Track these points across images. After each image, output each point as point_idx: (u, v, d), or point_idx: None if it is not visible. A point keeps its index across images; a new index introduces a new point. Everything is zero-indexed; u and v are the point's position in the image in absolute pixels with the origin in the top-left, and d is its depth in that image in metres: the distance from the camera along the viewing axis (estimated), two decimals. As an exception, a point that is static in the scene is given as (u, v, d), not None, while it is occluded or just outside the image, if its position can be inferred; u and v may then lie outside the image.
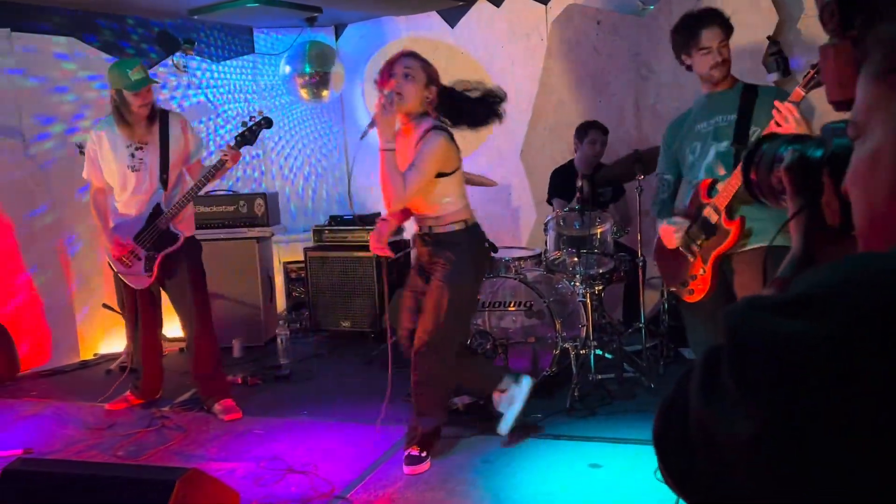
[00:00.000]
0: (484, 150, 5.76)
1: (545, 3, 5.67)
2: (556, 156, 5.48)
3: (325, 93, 6.24)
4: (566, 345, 4.13)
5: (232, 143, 4.04)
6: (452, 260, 3.26)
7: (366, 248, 5.60)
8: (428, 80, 3.24)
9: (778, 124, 2.68)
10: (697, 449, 0.67)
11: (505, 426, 3.50)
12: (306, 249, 5.84)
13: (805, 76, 2.68)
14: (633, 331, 4.67)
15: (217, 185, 5.59)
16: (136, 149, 4.00)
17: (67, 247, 5.37)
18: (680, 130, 3.16)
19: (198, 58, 6.16)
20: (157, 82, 4.19)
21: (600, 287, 4.42)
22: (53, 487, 2.42)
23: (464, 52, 6.00)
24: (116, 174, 4.03)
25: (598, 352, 4.29)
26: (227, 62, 6.40)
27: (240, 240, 5.60)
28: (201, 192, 4.08)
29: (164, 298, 4.26)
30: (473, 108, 3.34)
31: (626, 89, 5.46)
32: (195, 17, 5.79)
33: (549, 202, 5.14)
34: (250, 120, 4.11)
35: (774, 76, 4.57)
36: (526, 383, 3.52)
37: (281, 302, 6.21)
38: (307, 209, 6.83)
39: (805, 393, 0.59)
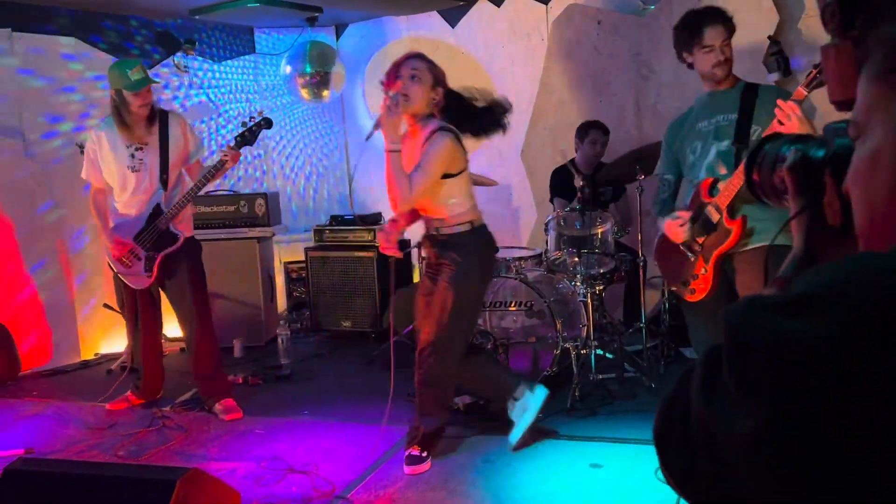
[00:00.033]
0: (484, 149, 5.74)
1: (546, 3, 5.67)
2: (556, 156, 5.48)
3: (325, 93, 6.25)
4: (567, 345, 4.13)
5: (232, 144, 4.05)
6: (458, 261, 3.26)
7: (367, 248, 5.65)
8: (434, 82, 3.24)
9: (781, 122, 2.67)
10: (698, 448, 0.67)
11: (515, 435, 3.45)
12: (307, 249, 5.84)
13: (807, 76, 2.67)
14: (634, 331, 4.67)
15: (218, 185, 5.60)
16: (136, 149, 4.01)
17: (68, 246, 5.37)
18: (681, 130, 3.15)
19: (199, 58, 6.17)
20: (157, 82, 4.20)
21: (601, 287, 4.42)
22: (54, 487, 2.43)
23: (464, 51, 6.00)
24: (116, 174, 4.03)
25: (599, 352, 4.29)
26: (228, 62, 6.41)
27: (241, 240, 5.60)
28: (201, 193, 4.08)
29: (164, 298, 4.27)
30: (479, 117, 3.33)
31: (627, 89, 5.46)
32: (196, 17, 5.80)
33: (552, 201, 5.15)
34: (250, 120, 4.12)
35: (775, 76, 4.57)
36: (541, 393, 3.48)
37: (282, 302, 6.21)
38: (308, 209, 6.83)
39: (805, 393, 0.59)
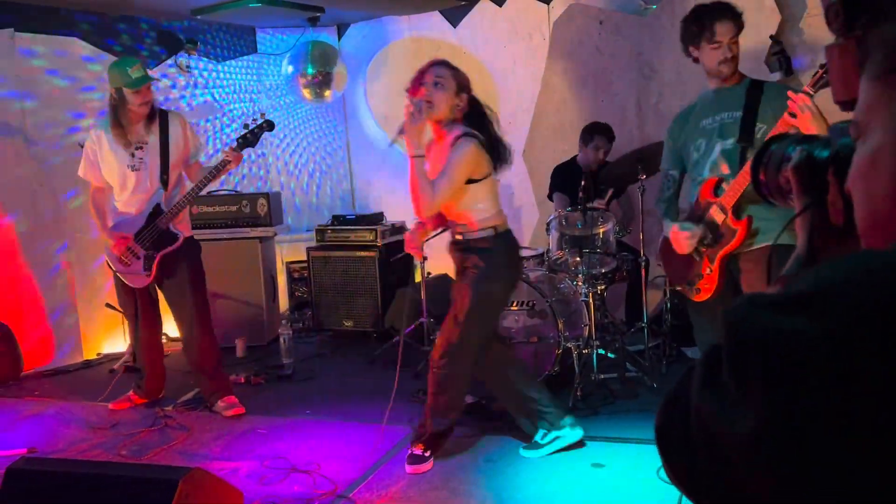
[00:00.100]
0: (486, 149, 5.76)
1: (547, 3, 5.67)
2: (557, 155, 5.47)
3: (327, 93, 6.25)
4: (569, 344, 4.13)
5: (234, 145, 4.06)
6: (480, 266, 3.26)
7: (368, 247, 5.65)
8: (458, 88, 3.25)
9: (793, 115, 2.64)
10: (698, 448, 0.67)
11: (529, 452, 3.44)
12: (309, 249, 5.84)
13: (813, 76, 2.66)
14: (636, 330, 4.67)
15: (221, 185, 5.60)
16: (137, 148, 4.01)
17: (70, 246, 5.38)
18: (685, 126, 3.12)
19: (205, 59, 6.18)
20: (156, 80, 4.21)
21: (603, 286, 4.42)
22: (57, 487, 2.43)
23: (466, 51, 6.00)
24: (116, 173, 4.04)
25: (601, 351, 4.29)
26: (230, 62, 6.41)
27: (243, 240, 5.61)
28: (202, 193, 4.09)
29: (162, 298, 4.28)
30: (496, 141, 3.33)
31: (629, 89, 5.45)
32: (198, 17, 5.81)
33: (550, 198, 5.15)
34: (252, 122, 4.13)
35: (777, 76, 4.56)
36: (577, 434, 3.43)
37: (284, 301, 6.22)
38: (310, 208, 6.84)
39: (805, 392, 0.59)
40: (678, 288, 3.21)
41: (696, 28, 2.97)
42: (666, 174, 3.25)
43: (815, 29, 4.59)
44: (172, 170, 4.08)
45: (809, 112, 2.60)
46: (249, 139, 4.10)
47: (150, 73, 4.08)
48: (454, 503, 3.05)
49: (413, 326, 5.03)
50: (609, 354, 4.36)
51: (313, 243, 5.90)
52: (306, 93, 6.23)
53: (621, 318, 5.02)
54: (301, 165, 6.83)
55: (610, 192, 4.92)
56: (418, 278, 5.25)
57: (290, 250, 6.41)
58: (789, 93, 2.68)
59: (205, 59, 6.19)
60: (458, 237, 3.36)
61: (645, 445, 3.42)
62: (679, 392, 0.73)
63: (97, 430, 3.98)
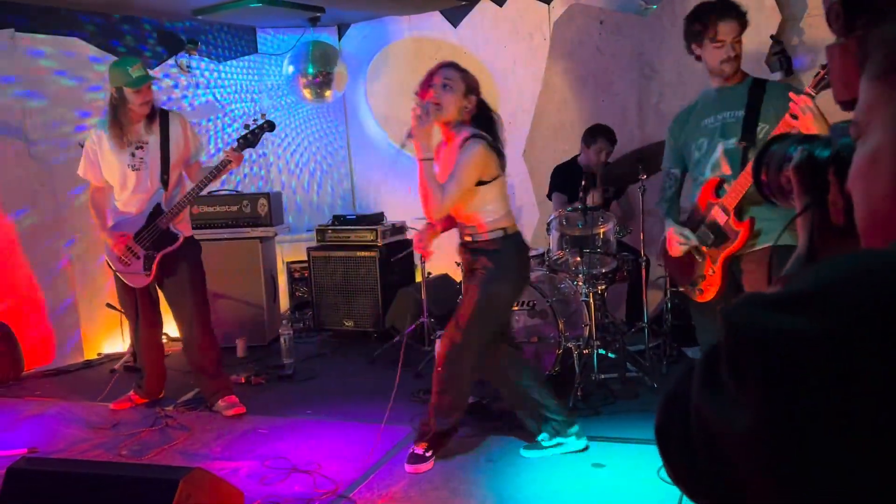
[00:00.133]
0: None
1: (548, 3, 5.67)
2: (558, 155, 5.47)
3: (328, 93, 6.25)
4: (569, 344, 4.13)
5: (234, 145, 4.06)
6: (489, 267, 3.26)
7: (368, 247, 5.66)
8: (467, 90, 3.26)
9: (794, 116, 2.63)
10: (699, 449, 0.67)
11: (530, 452, 3.44)
12: (309, 249, 5.84)
13: (815, 77, 2.65)
14: (637, 330, 4.67)
15: (221, 185, 5.61)
16: (137, 148, 4.02)
17: (71, 246, 5.38)
18: (686, 124, 3.11)
19: (206, 59, 6.19)
20: (158, 79, 4.21)
21: (603, 286, 4.42)
22: (57, 487, 2.43)
23: (466, 51, 6.00)
24: (117, 173, 4.04)
25: (602, 351, 4.29)
26: (231, 62, 6.42)
27: (243, 240, 5.61)
28: (202, 193, 4.09)
29: (162, 298, 4.28)
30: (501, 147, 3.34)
31: (630, 89, 5.45)
32: (199, 17, 5.81)
33: (549, 197, 5.15)
34: (253, 123, 4.14)
35: (777, 76, 4.56)
36: (581, 444, 3.43)
37: (284, 301, 6.22)
38: (310, 208, 6.84)
39: (805, 392, 0.59)
40: (681, 289, 3.20)
41: (700, 26, 2.94)
42: (667, 173, 3.24)
43: (816, 29, 4.59)
44: (173, 170, 4.08)
45: (811, 113, 2.59)
46: (250, 139, 4.10)
47: (152, 72, 4.07)
48: (455, 503, 3.05)
49: (413, 326, 5.04)
50: (610, 354, 4.36)
51: (314, 243, 5.90)
52: (307, 93, 6.23)
53: (622, 318, 5.02)
54: (302, 165, 6.83)
55: (610, 191, 4.93)
56: (419, 278, 5.25)
57: (290, 250, 6.41)
58: (791, 94, 2.66)
59: (206, 59, 6.19)
60: (468, 238, 3.36)
61: (645, 445, 3.42)
62: (678, 390, 0.72)
63: (98, 430, 3.98)
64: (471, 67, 3.43)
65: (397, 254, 5.61)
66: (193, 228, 4.32)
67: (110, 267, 4.18)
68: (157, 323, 4.34)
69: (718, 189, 2.95)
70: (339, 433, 3.81)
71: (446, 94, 3.20)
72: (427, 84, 3.24)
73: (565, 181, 4.98)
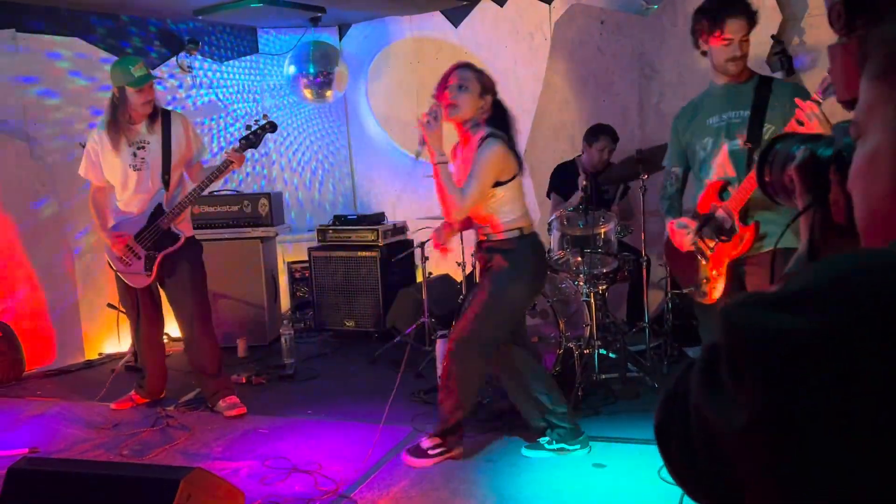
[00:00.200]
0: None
1: (549, 3, 5.66)
2: (558, 155, 5.47)
3: (328, 93, 6.26)
4: (570, 344, 4.13)
5: (236, 146, 4.06)
6: (504, 266, 3.26)
7: (369, 247, 5.66)
8: (483, 90, 3.27)
9: (800, 123, 2.60)
10: (699, 449, 0.67)
11: (532, 452, 3.43)
12: (310, 249, 5.85)
13: (822, 82, 2.61)
14: (637, 330, 4.66)
15: (222, 185, 5.61)
16: (138, 148, 4.02)
17: (72, 246, 5.38)
18: (691, 122, 3.07)
19: (209, 60, 6.19)
20: (163, 79, 4.21)
21: (604, 286, 4.42)
22: (58, 487, 2.43)
23: (467, 51, 6.00)
24: (118, 173, 4.04)
25: (602, 351, 4.29)
26: (231, 62, 6.42)
27: (244, 240, 5.61)
28: (203, 193, 4.09)
29: (164, 298, 4.28)
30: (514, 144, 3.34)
31: (630, 89, 5.45)
32: (199, 17, 5.81)
33: (549, 196, 5.15)
34: (254, 123, 4.14)
35: (778, 76, 4.56)
36: (584, 453, 3.41)
37: (285, 301, 6.22)
38: (311, 208, 6.85)
39: (804, 391, 0.59)
40: (685, 290, 3.19)
41: (708, 21, 2.89)
42: (668, 171, 3.22)
43: (816, 29, 4.59)
44: (174, 170, 4.08)
45: (817, 120, 2.56)
46: (252, 140, 4.10)
47: (156, 72, 4.06)
48: (455, 503, 3.05)
49: (414, 326, 5.04)
50: (610, 354, 4.35)
51: (315, 243, 5.91)
52: (308, 93, 6.23)
53: (622, 318, 5.01)
54: (303, 165, 6.83)
55: (610, 192, 4.93)
56: (419, 278, 5.25)
57: (291, 250, 6.42)
58: (797, 100, 2.64)
59: (208, 59, 6.19)
60: (483, 238, 3.37)
61: (646, 445, 3.42)
62: (678, 389, 0.73)
63: (99, 429, 3.98)
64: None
65: (398, 254, 5.61)
66: (194, 228, 4.33)
67: (111, 267, 4.18)
68: (159, 323, 4.34)
69: (722, 192, 2.93)
70: (339, 433, 3.81)
71: (462, 95, 3.21)
72: (443, 85, 3.26)
73: (565, 181, 4.97)
